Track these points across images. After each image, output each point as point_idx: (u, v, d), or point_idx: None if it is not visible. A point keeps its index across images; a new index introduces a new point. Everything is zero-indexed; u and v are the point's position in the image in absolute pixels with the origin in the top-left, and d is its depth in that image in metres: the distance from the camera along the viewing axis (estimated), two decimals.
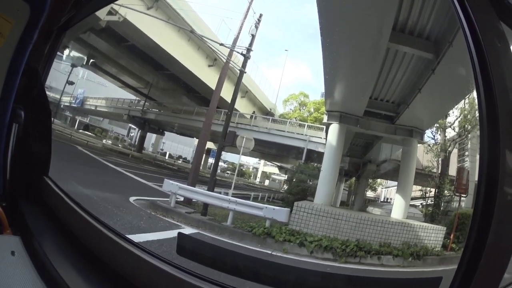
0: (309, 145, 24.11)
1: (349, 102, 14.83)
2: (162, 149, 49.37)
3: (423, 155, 18.14)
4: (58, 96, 34.61)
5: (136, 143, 40.37)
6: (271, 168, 48.79)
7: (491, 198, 1.02)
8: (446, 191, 17.08)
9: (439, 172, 17.58)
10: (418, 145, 16.42)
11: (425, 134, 16.78)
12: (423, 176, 17.95)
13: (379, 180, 32.56)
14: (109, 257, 1.58)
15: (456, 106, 15.73)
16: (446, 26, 10.22)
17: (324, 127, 19.60)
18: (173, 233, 8.50)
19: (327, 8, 9.22)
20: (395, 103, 15.44)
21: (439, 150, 17.93)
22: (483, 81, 1.08)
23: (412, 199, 18.26)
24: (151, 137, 44.13)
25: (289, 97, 37.86)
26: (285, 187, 24.41)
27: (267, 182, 48.69)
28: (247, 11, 18.66)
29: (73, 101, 42.58)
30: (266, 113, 33.56)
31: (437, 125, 17.84)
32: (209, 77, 26.10)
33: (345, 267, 9.28)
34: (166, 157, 45.59)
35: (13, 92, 1.78)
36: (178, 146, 50.62)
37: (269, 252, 9.30)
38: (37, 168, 2.13)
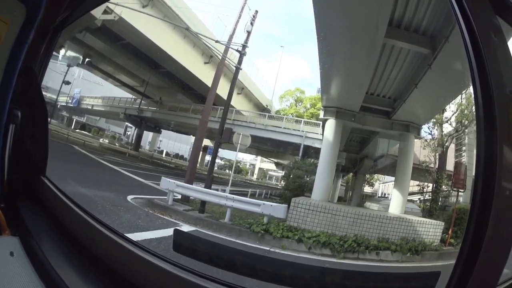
0: (305, 141, 24.16)
1: (346, 97, 14.81)
2: (159, 147, 49.26)
3: (420, 150, 18.15)
4: (54, 96, 34.47)
5: (133, 141, 40.26)
6: (268, 165, 48.75)
7: (489, 192, 1.03)
8: (443, 186, 17.09)
9: (437, 167, 17.60)
10: (415, 140, 16.44)
11: (422, 129, 16.86)
12: (420, 171, 17.96)
13: (376, 176, 32.60)
14: (107, 256, 1.58)
15: (453, 101, 15.76)
16: (442, 21, 10.21)
17: (321, 123, 19.66)
18: (171, 231, 8.44)
19: (322, 2, 9.20)
20: (392, 98, 15.45)
21: (436, 145, 17.94)
22: (480, 75, 1.08)
23: (410, 194, 18.30)
24: (147, 136, 44.08)
25: (285, 93, 37.95)
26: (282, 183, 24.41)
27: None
28: (243, 8, 18.66)
29: (70, 101, 42.48)
30: (262, 109, 33.55)
31: (434, 120, 17.87)
32: (205, 74, 26.09)
33: (343, 262, 9.30)
34: (163, 155, 45.51)
35: (10, 92, 1.78)
36: (175, 144, 50.54)
37: (267, 248, 9.29)
38: (34, 168, 2.12)
